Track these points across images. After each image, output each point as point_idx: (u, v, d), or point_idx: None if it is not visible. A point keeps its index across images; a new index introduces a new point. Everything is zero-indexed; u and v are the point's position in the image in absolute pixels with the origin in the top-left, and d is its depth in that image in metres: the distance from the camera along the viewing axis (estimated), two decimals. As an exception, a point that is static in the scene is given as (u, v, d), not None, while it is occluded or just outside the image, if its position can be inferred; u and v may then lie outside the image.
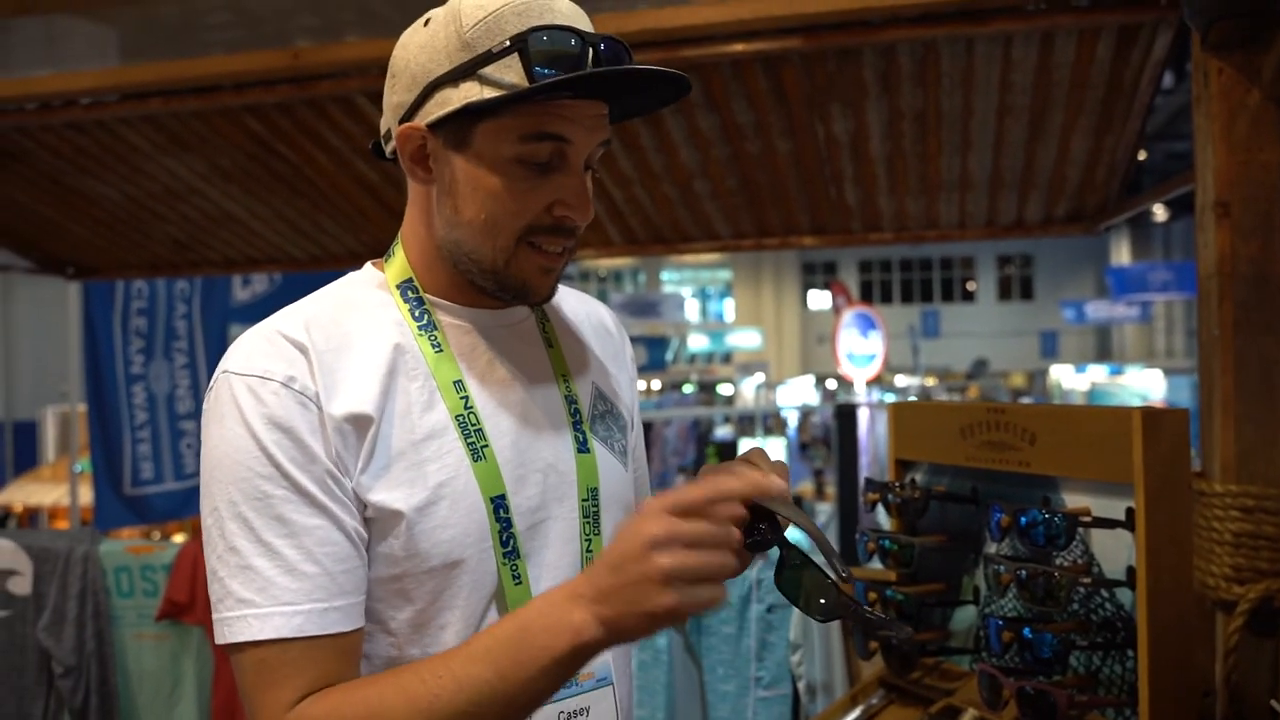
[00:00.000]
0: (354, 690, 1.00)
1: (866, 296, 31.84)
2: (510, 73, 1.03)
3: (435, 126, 1.08)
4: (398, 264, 1.17)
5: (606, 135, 1.12)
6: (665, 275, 34.86)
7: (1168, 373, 17.90)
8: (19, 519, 8.46)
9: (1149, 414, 1.33)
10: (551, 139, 1.06)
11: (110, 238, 3.88)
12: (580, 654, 0.93)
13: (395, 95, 1.11)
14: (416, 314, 1.13)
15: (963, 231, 3.31)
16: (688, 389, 27.65)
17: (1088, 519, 1.38)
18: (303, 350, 1.05)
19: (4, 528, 8.14)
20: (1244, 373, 1.65)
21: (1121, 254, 29.58)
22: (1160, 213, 26.22)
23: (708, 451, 10.97)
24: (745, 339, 31.36)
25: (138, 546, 3.04)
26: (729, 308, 34.36)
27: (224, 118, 2.83)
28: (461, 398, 1.10)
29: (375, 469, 1.05)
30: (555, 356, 1.23)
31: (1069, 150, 2.74)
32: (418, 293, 1.15)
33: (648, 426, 8.83)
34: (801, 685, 2.48)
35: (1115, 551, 1.39)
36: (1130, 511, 1.34)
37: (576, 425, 1.20)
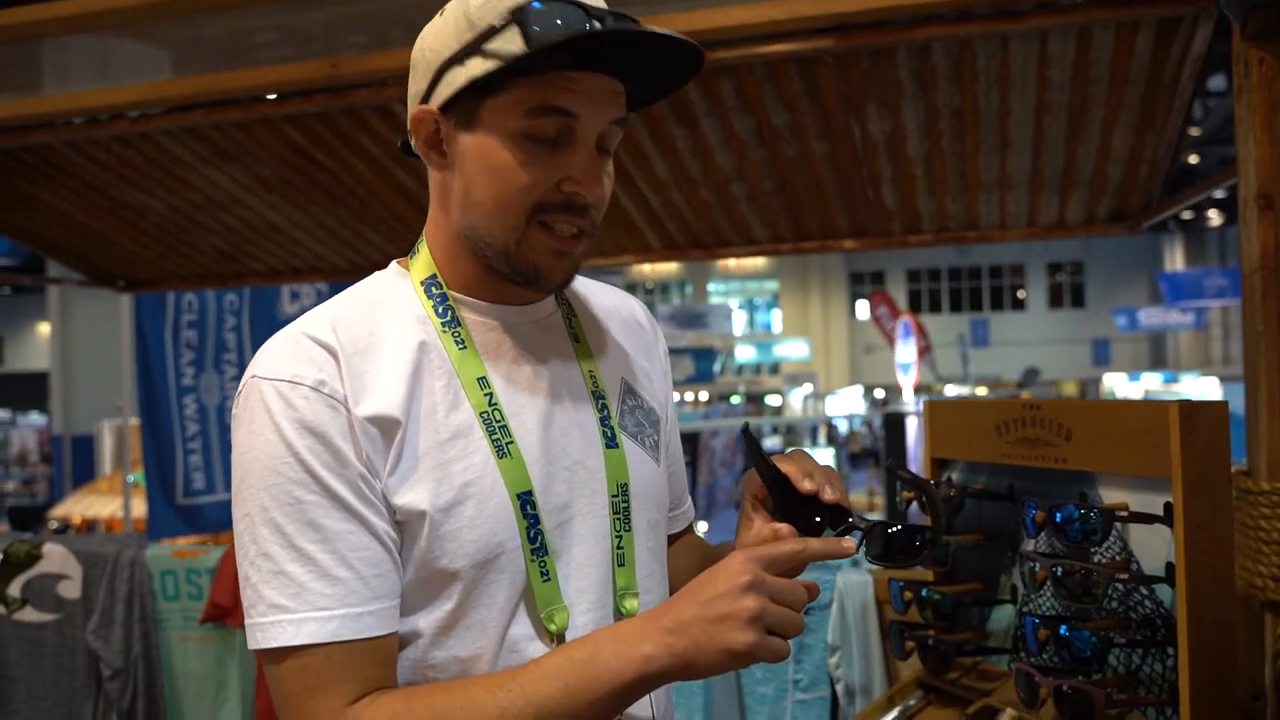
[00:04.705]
0: (417, 696, 1.00)
1: (915, 305, 31.58)
2: (512, 45, 1.02)
3: (447, 109, 1.08)
4: (422, 260, 1.16)
5: (620, 114, 1.10)
6: (712, 287, 34.83)
7: (1224, 380, 17.54)
8: (77, 531, 8.62)
9: (1186, 407, 1.30)
10: (557, 113, 1.05)
11: (157, 249, 3.96)
12: (647, 683, 0.97)
13: (414, 84, 1.12)
14: (440, 310, 1.13)
15: (1004, 232, 3.27)
16: (735, 400, 27.59)
17: (1124, 514, 1.36)
18: (331, 353, 1.05)
19: (61, 538, 8.28)
20: (1290, 368, 1.60)
21: (1175, 259, 29.12)
22: (1215, 217, 25.77)
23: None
24: (793, 349, 31.21)
25: (183, 550, 3.08)
26: (776, 318, 34.24)
27: (264, 127, 2.87)
28: (486, 394, 1.10)
29: (402, 471, 1.04)
30: (582, 351, 1.22)
31: (1110, 148, 2.70)
32: (441, 289, 1.14)
33: (696, 437, 8.79)
34: (840, 687, 2.45)
35: (1155, 548, 1.36)
36: (1169, 506, 1.31)
37: (604, 421, 1.18)
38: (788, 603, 0.97)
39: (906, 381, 13.94)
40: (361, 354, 1.06)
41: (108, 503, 7.99)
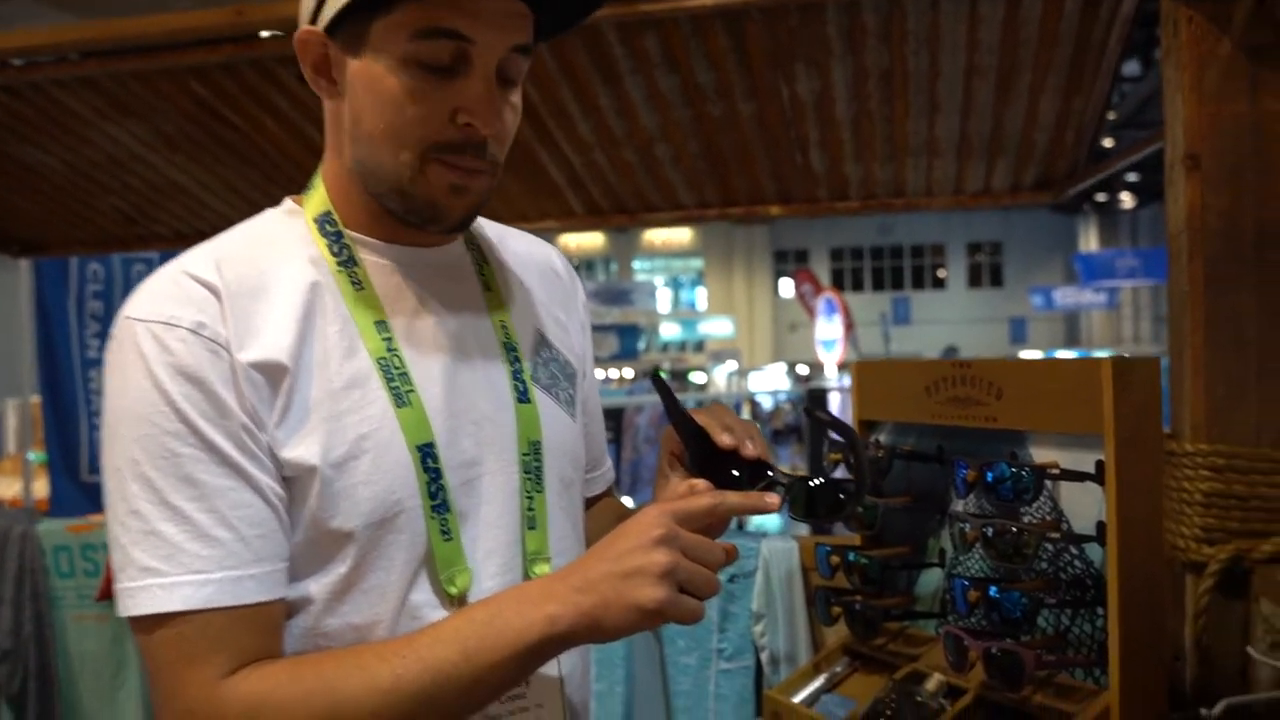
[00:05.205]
0: (305, 665, 0.93)
1: (838, 283, 32.02)
2: None
3: (333, 30, 0.99)
4: (316, 197, 1.08)
5: (523, 40, 1.01)
6: (637, 264, 34.86)
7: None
8: (-20, 513, 8.31)
9: (1120, 363, 1.28)
10: (448, 36, 0.96)
11: (55, 211, 3.76)
12: (551, 645, 0.91)
13: (302, 2, 1.03)
14: (335, 249, 1.04)
15: (930, 200, 3.25)
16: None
17: (1056, 472, 1.33)
18: (214, 292, 0.96)
19: (-41, 518, 7.98)
20: (1214, 329, 1.60)
21: (1090, 241, 29.94)
22: (1127, 199, 26.52)
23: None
24: (717, 327, 31.46)
25: (78, 525, 2.94)
26: (701, 296, 34.42)
27: (166, 80, 2.72)
28: (384, 339, 1.02)
29: (291, 423, 0.96)
30: (493, 300, 1.14)
31: (1037, 113, 2.68)
32: (336, 226, 1.06)
33: (620, 413, 8.76)
34: (764, 656, 2.41)
35: (1085, 507, 1.34)
36: (1100, 464, 1.29)
37: (516, 374, 1.11)
38: (702, 560, 0.92)
39: (829, 358, 14.06)
40: (249, 294, 0.98)
41: (11, 484, 7.70)
